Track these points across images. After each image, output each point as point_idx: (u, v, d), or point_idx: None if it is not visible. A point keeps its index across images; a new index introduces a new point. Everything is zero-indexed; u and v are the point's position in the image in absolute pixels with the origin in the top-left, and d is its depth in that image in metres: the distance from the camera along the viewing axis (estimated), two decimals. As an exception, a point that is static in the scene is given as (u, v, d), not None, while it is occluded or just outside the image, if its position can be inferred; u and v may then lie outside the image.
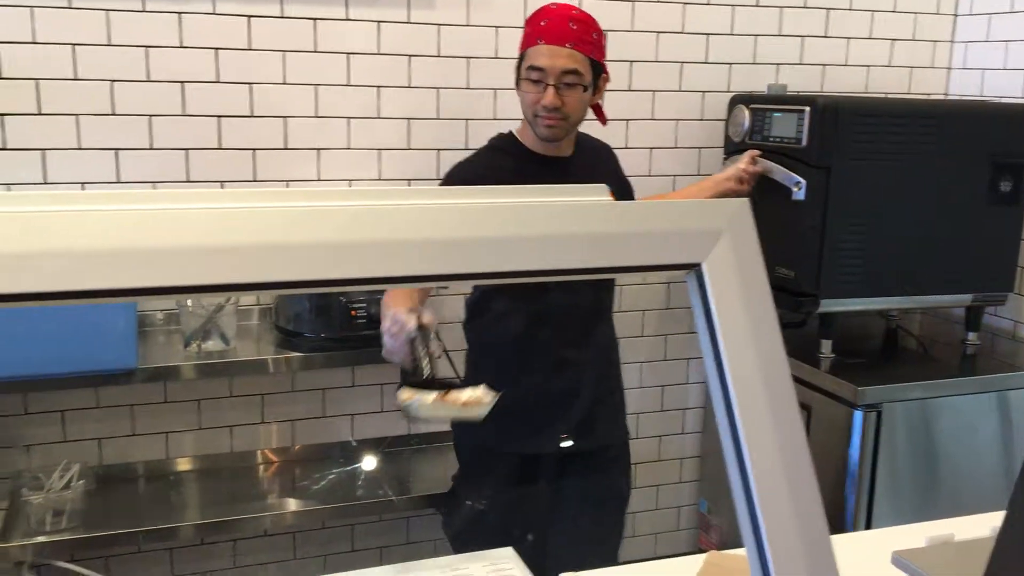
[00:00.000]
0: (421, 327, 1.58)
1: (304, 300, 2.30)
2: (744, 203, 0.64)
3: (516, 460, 2.09)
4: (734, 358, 0.66)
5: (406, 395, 1.49)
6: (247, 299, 2.48)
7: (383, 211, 0.58)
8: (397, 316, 1.59)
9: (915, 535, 1.49)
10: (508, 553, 1.35)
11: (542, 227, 0.63)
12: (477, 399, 1.50)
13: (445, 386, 1.53)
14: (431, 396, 1.48)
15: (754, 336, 0.65)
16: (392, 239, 0.57)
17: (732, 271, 0.68)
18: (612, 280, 2.07)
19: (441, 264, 0.59)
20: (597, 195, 0.65)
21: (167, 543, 2.53)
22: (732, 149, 2.65)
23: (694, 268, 0.70)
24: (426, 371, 1.54)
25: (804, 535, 0.63)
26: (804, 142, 2.38)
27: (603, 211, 0.63)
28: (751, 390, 0.64)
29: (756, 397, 0.64)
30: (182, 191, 0.54)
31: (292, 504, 2.45)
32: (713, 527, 2.96)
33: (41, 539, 2.16)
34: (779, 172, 2.42)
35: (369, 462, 2.66)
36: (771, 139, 2.49)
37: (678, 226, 0.68)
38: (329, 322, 2.31)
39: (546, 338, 2.03)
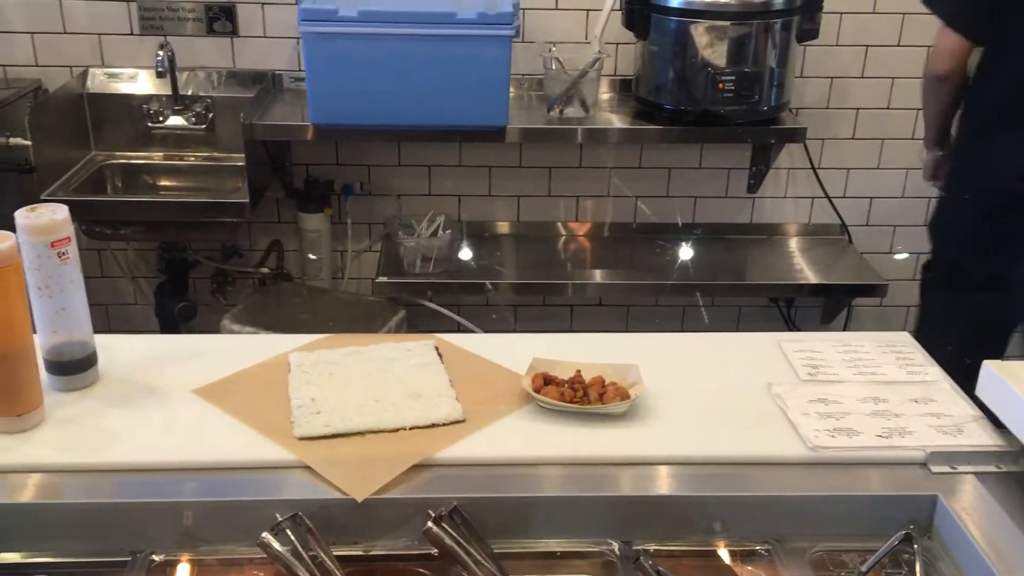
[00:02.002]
0: None
1: (669, 69, 2.23)
2: None
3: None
4: None
5: None
6: (609, 67, 2.45)
7: None
8: None
9: None
10: (906, 338, 1.27)
11: None
12: None
13: None
14: None
15: None
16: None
17: None
18: None
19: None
20: None
21: (512, 299, 2.70)
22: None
23: None
24: None
25: None
26: None
27: None
28: None
29: None
30: None
31: (626, 276, 2.50)
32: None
33: (411, 280, 2.37)
34: None
35: (707, 245, 2.63)
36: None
37: None
38: (691, 95, 2.22)
39: None
